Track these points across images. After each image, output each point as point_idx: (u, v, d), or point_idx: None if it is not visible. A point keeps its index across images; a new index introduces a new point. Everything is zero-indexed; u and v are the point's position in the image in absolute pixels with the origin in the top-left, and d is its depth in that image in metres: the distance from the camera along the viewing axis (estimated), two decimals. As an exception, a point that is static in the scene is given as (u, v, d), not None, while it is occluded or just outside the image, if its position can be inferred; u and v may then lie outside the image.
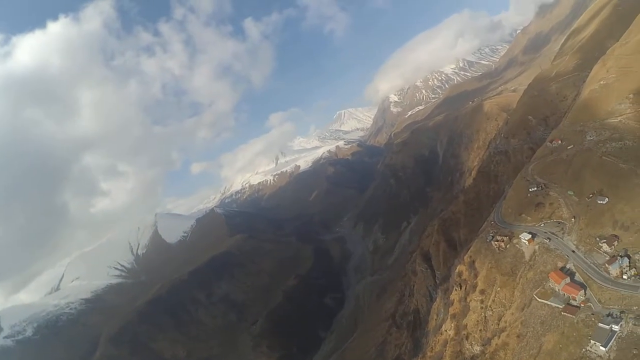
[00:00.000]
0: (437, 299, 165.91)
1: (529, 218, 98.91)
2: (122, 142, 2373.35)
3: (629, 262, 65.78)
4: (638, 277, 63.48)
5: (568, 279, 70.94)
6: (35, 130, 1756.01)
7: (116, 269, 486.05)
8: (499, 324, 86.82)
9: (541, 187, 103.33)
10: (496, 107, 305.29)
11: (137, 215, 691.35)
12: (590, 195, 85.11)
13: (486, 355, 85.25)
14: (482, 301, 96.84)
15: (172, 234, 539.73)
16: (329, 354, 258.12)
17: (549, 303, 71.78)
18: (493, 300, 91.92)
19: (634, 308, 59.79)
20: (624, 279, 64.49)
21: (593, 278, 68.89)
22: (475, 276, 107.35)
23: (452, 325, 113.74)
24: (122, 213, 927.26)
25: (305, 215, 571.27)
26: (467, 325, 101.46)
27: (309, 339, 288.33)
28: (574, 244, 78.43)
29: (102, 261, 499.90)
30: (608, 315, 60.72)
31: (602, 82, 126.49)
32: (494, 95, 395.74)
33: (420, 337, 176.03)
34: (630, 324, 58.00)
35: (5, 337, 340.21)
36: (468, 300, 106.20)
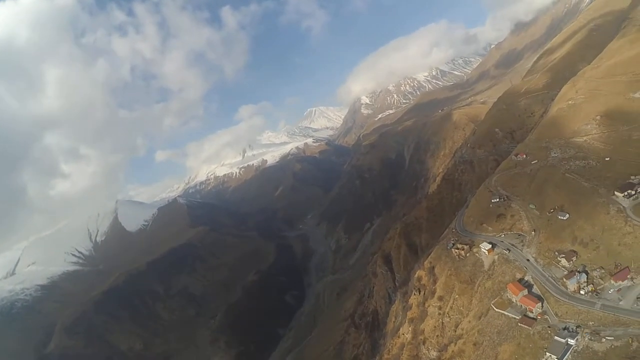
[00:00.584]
0: (396, 302, 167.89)
1: (490, 228, 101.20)
2: (86, 124, 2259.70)
3: (587, 278, 68.04)
4: (595, 293, 65.63)
5: (526, 291, 72.83)
6: None
7: (74, 255, 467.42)
8: (455, 331, 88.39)
9: (504, 198, 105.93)
10: (465, 117, 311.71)
11: (97, 201, 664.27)
12: (552, 210, 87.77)
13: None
14: (440, 307, 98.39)
15: (133, 222, 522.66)
16: (287, 352, 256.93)
17: (506, 313, 73.56)
18: (451, 307, 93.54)
19: (590, 323, 61.81)
20: (581, 294, 66.66)
21: (551, 291, 70.93)
22: (435, 282, 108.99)
23: (410, 329, 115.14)
24: (82, 198, 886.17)
25: (270, 211, 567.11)
26: (424, 330, 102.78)
27: (268, 335, 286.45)
28: (533, 257, 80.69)
29: (59, 247, 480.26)
30: (564, 329, 62.57)
31: (570, 102, 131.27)
32: (463, 106, 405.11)
33: (378, 338, 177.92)
34: (586, 339, 59.91)
35: None
36: (426, 305, 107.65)
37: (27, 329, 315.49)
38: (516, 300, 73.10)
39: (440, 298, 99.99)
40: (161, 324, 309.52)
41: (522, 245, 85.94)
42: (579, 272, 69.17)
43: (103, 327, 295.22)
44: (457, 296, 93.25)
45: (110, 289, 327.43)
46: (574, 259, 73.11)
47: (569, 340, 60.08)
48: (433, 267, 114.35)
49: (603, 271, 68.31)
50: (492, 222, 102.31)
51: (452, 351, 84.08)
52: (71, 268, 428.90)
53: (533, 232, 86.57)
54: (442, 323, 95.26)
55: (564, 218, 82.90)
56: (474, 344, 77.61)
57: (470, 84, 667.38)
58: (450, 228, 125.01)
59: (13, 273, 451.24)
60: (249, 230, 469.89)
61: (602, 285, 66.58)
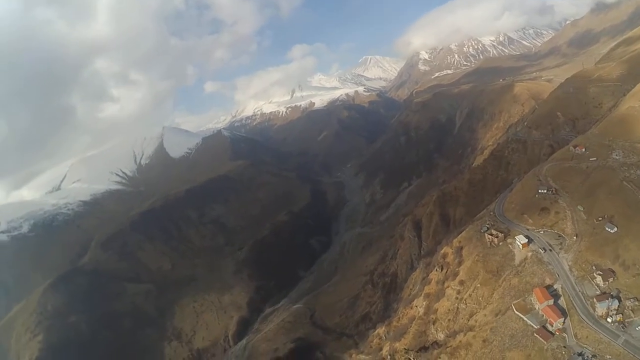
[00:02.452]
0: (417, 270, 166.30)
1: (530, 220, 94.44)
2: (137, 50, 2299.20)
3: (618, 305, 62.10)
4: (622, 325, 59.75)
5: (552, 301, 67.80)
6: (47, 30, 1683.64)
7: (117, 175, 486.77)
8: (468, 321, 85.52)
9: (552, 191, 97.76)
10: (526, 92, 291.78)
11: (144, 125, 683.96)
12: (600, 218, 79.84)
13: (447, 348, 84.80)
14: (458, 292, 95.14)
15: (177, 149, 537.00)
16: (304, 294, 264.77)
17: (525, 319, 69.36)
18: (470, 295, 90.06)
19: (607, 357, 56.83)
20: (608, 321, 61.12)
21: (577, 309, 65.68)
22: (459, 264, 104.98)
23: (424, 304, 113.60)
24: (129, 121, 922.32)
25: (310, 154, 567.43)
26: (437, 310, 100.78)
27: (288, 275, 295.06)
28: (568, 265, 74.45)
29: (104, 166, 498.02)
30: (580, 354, 58.08)
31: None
32: (526, 79, 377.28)
33: (392, 302, 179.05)
34: (598, 372, 55.01)
35: (1, 232, 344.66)
36: (445, 285, 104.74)
37: (66, 241, 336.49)
38: (539, 308, 68.34)
39: (462, 282, 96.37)
40: (190, 248, 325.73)
41: (560, 249, 79.24)
42: (612, 296, 63.04)
43: (136, 245, 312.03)
44: (478, 285, 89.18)
45: (147, 210, 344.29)
46: (611, 280, 66.56)
47: (581, 369, 55.44)
48: (461, 248, 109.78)
49: (637, 303, 61.72)
50: (534, 215, 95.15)
51: (460, 341, 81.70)
52: (114, 187, 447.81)
53: (575, 237, 79.36)
54: (457, 308, 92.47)
55: (611, 231, 75.04)
56: (484, 341, 74.61)
57: (538, 57, 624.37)
58: (489, 210, 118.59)
59: (58, 188, 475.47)
60: (288, 171, 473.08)
61: (631, 319, 60.41)
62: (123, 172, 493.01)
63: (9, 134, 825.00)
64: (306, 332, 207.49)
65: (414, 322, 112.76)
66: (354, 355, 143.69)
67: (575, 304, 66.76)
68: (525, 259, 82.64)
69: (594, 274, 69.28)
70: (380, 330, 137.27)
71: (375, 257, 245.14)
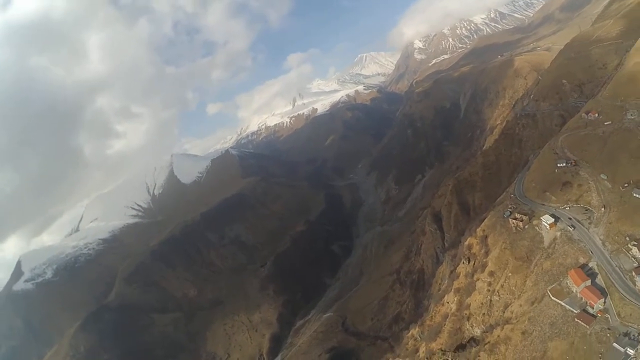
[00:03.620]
0: (444, 264, 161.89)
1: (553, 198, 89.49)
2: (134, 83, 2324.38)
3: (661, 275, 57.43)
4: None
5: (589, 282, 63.29)
6: (43, 77, 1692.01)
7: (133, 208, 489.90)
8: (504, 313, 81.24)
9: (571, 163, 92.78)
10: (527, 64, 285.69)
11: (153, 155, 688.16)
12: (626, 185, 75.20)
13: (486, 344, 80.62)
14: (489, 284, 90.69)
15: (187, 175, 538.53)
16: (333, 301, 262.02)
17: (563, 304, 64.96)
18: (502, 286, 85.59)
19: (656, 333, 52.34)
20: (651, 294, 56.57)
21: (616, 285, 61.08)
22: (486, 254, 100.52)
23: (455, 299, 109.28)
24: (138, 154, 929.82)
25: (320, 160, 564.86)
26: (470, 305, 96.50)
27: (314, 285, 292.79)
28: (600, 239, 69.72)
29: (119, 201, 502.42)
30: (625, 334, 53.65)
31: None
32: (525, 52, 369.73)
33: (423, 299, 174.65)
34: (647, 351, 50.63)
35: (26, 280, 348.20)
36: (475, 278, 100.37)
37: (90, 281, 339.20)
38: (576, 291, 63.82)
39: (491, 274, 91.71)
40: (213, 271, 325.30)
41: (589, 223, 74.36)
42: (652, 266, 58.28)
43: (159, 274, 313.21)
44: (510, 274, 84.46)
45: (166, 239, 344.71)
46: (648, 249, 61.87)
47: (628, 349, 51.32)
48: (486, 237, 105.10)
49: (681, 269, 57.00)
50: (557, 191, 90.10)
51: (498, 335, 77.36)
52: (131, 221, 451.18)
53: (603, 209, 74.59)
54: (490, 301, 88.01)
55: (640, 196, 70.31)
56: (523, 333, 70.34)
57: (533, 28, 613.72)
58: (508, 192, 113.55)
59: (77, 230, 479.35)
60: (299, 180, 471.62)
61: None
62: (138, 205, 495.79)
63: (21, 183, 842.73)
64: (340, 340, 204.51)
65: (447, 319, 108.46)
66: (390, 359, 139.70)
67: (613, 281, 62.20)
68: (555, 239, 77.88)
69: (629, 245, 64.76)
70: (414, 330, 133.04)
71: (399, 255, 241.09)
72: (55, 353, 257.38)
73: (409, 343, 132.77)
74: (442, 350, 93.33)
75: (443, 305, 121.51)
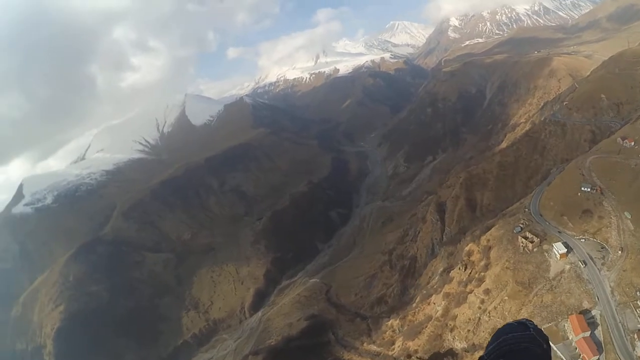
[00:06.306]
0: (438, 257, 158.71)
1: (570, 224, 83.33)
2: (154, 16, 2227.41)
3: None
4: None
5: (588, 333, 58.52)
6: (60, 2, 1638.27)
7: (140, 143, 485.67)
8: (490, 336, 77.33)
9: (596, 190, 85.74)
10: (564, 67, 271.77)
11: (166, 93, 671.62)
12: (650, 233, 68.54)
13: (465, 362, 77.58)
14: (482, 301, 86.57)
15: (199, 116, 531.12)
16: (321, 268, 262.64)
17: (555, 349, 60.54)
18: (495, 307, 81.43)
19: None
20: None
21: (614, 344, 56.45)
22: (486, 267, 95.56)
23: (443, 304, 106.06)
24: (151, 90, 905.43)
25: (333, 122, 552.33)
26: (457, 316, 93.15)
27: (306, 247, 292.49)
28: (610, 286, 64.28)
29: (128, 135, 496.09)
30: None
31: None
32: (563, 53, 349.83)
33: (410, 287, 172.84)
34: None
35: (26, 204, 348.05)
36: (468, 289, 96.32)
37: (88, 211, 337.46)
38: (573, 340, 59.38)
39: (487, 291, 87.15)
40: (210, 217, 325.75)
41: (602, 264, 68.68)
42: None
43: (156, 214, 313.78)
44: (506, 297, 79.92)
45: (168, 179, 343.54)
46: (660, 315, 56.43)
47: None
48: (489, 248, 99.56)
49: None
50: (575, 218, 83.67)
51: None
52: (136, 156, 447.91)
53: (619, 252, 68.59)
54: (479, 319, 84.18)
55: (665, 251, 63.93)
56: (506, 365, 66.45)
57: (576, 30, 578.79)
58: (522, 205, 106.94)
59: (83, 158, 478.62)
60: (309, 138, 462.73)
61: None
62: (146, 141, 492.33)
63: (31, 107, 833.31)
64: (321, 309, 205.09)
65: (430, 322, 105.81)
66: (365, 344, 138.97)
67: (613, 338, 57.63)
68: (562, 272, 72.71)
69: (638, 302, 59.29)
70: (395, 322, 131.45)
71: (395, 235, 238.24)
72: (45, 279, 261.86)
73: (387, 333, 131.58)
74: (417, 358, 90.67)
75: (429, 304, 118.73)
